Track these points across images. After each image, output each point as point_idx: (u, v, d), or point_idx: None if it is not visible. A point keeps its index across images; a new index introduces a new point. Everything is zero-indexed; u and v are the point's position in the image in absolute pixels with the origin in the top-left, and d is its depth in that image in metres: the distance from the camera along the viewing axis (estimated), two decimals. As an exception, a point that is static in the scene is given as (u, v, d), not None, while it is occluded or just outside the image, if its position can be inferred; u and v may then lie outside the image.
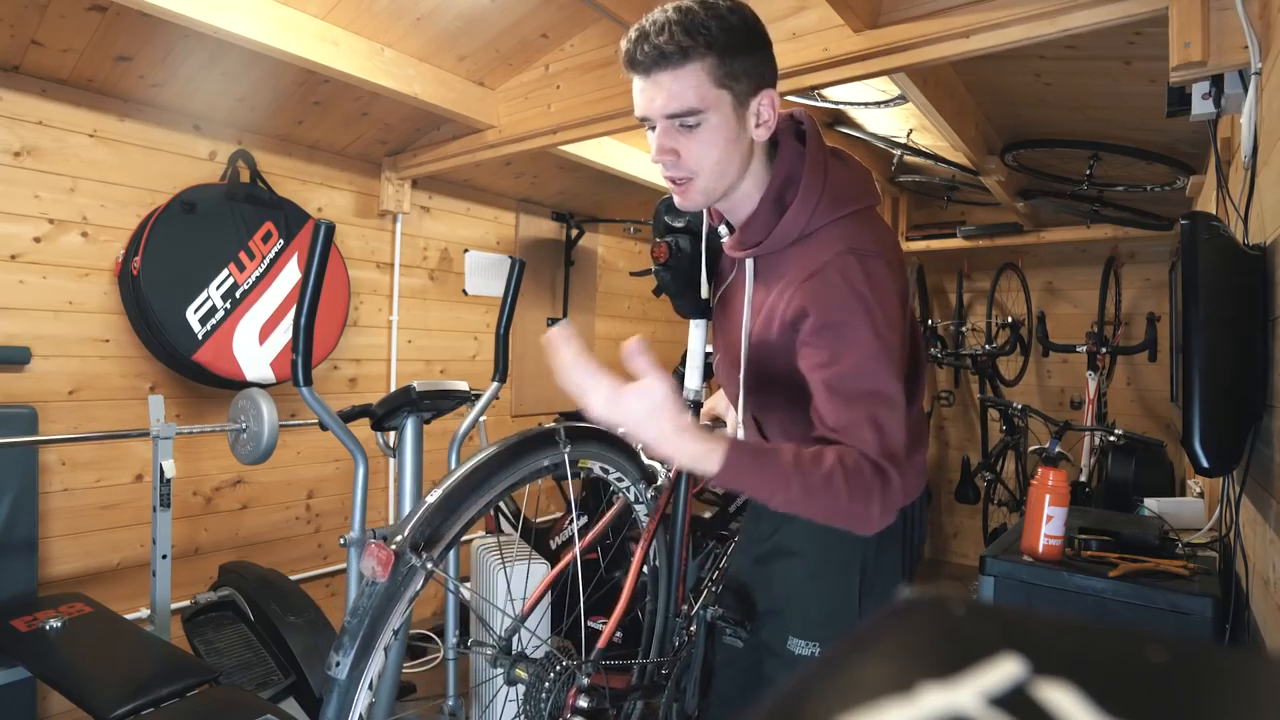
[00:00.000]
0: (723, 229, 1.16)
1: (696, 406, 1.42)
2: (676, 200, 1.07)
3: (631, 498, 1.51)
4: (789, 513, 0.92)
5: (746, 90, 0.99)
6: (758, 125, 1.02)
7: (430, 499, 1.13)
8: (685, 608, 1.46)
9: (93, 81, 2.31)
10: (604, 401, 0.86)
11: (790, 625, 1.21)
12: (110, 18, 2.03)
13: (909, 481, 1.00)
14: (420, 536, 1.08)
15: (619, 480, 1.50)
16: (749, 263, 1.10)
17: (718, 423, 1.48)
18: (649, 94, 0.97)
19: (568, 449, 1.31)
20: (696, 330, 1.40)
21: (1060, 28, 1.69)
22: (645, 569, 1.48)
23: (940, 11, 1.83)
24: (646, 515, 1.46)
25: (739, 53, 0.97)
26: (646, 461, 1.47)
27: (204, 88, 2.43)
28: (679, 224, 1.26)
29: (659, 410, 0.85)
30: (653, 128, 1.01)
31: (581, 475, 1.40)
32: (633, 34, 0.97)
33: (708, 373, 1.41)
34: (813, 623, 1.19)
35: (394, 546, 1.05)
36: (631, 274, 4.26)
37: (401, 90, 2.36)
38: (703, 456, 0.86)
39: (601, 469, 1.45)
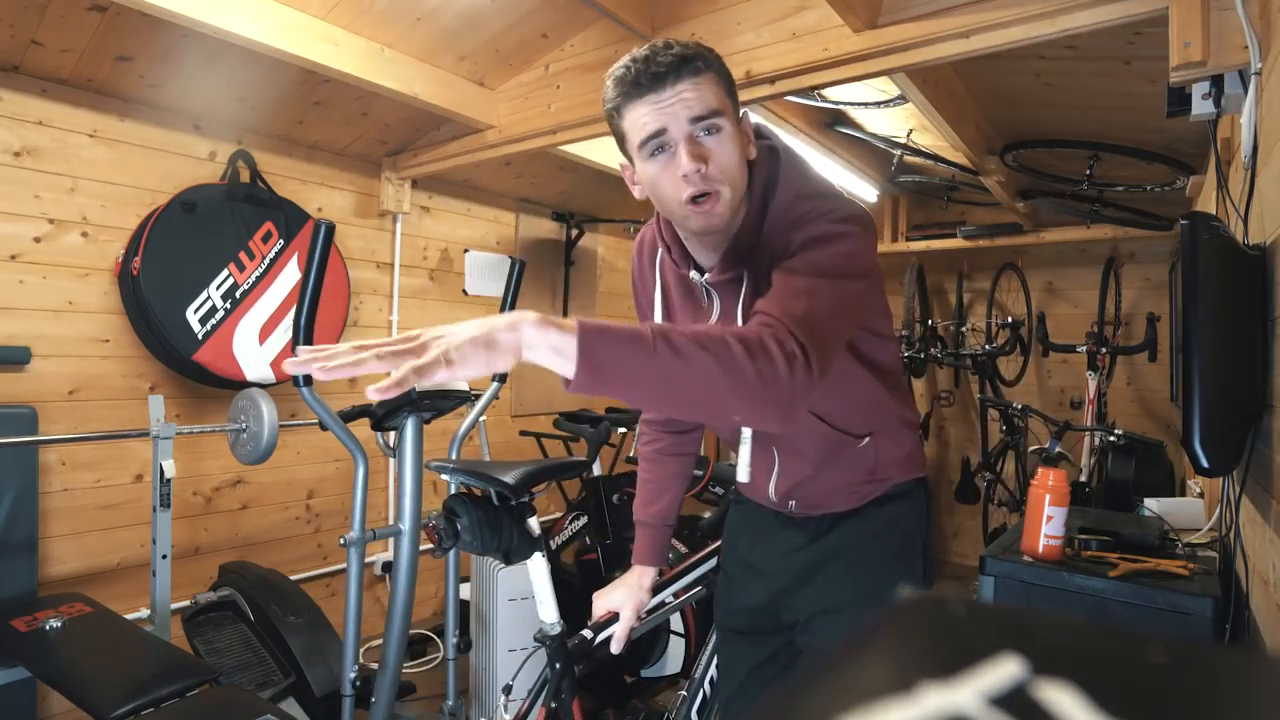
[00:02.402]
0: (694, 274, 1.11)
1: (558, 640, 1.32)
2: (697, 223, 0.99)
3: None
4: (666, 398, 0.81)
5: (738, 108, 1.02)
6: (748, 143, 1.04)
7: None
8: None
9: (93, 81, 2.31)
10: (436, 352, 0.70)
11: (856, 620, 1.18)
12: (110, 18, 2.03)
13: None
14: None
15: None
16: (746, 274, 1.06)
17: (616, 618, 1.38)
18: (669, 105, 0.95)
19: None
20: (535, 567, 1.35)
21: (1060, 28, 1.69)
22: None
23: (940, 11, 1.82)
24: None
25: (728, 75, 1.01)
26: None
27: (204, 88, 2.43)
28: (463, 468, 1.18)
29: (486, 321, 0.73)
30: (657, 150, 0.97)
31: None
32: (634, 59, 0.96)
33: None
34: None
35: None
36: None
37: (401, 90, 2.36)
38: (563, 341, 0.73)
39: None
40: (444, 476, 1.17)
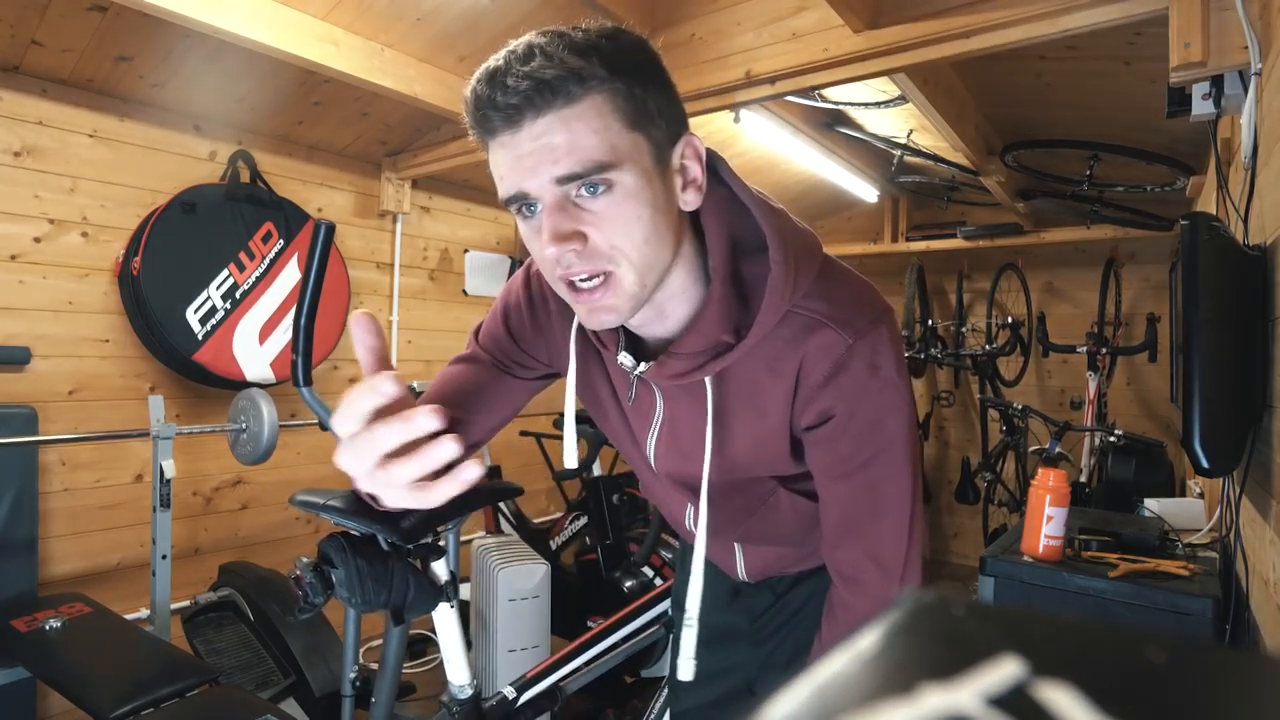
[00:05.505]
0: (624, 358, 0.81)
1: (470, 704, 1.10)
2: (589, 318, 0.71)
3: None
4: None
5: (665, 136, 0.69)
6: (685, 187, 0.72)
7: None
8: None
9: (93, 81, 2.31)
10: None
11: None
12: (110, 18, 2.03)
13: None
14: None
15: None
16: (709, 380, 0.78)
17: (551, 670, 1.20)
18: (526, 153, 0.65)
19: None
20: (441, 621, 1.07)
21: (1060, 28, 1.69)
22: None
23: (940, 12, 1.83)
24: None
25: (649, 81, 0.68)
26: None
27: (204, 88, 2.43)
28: (334, 505, 0.90)
29: None
30: (526, 210, 0.68)
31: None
32: (481, 76, 0.66)
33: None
34: None
35: None
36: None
37: (401, 90, 2.36)
38: None
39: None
40: (324, 516, 0.88)
